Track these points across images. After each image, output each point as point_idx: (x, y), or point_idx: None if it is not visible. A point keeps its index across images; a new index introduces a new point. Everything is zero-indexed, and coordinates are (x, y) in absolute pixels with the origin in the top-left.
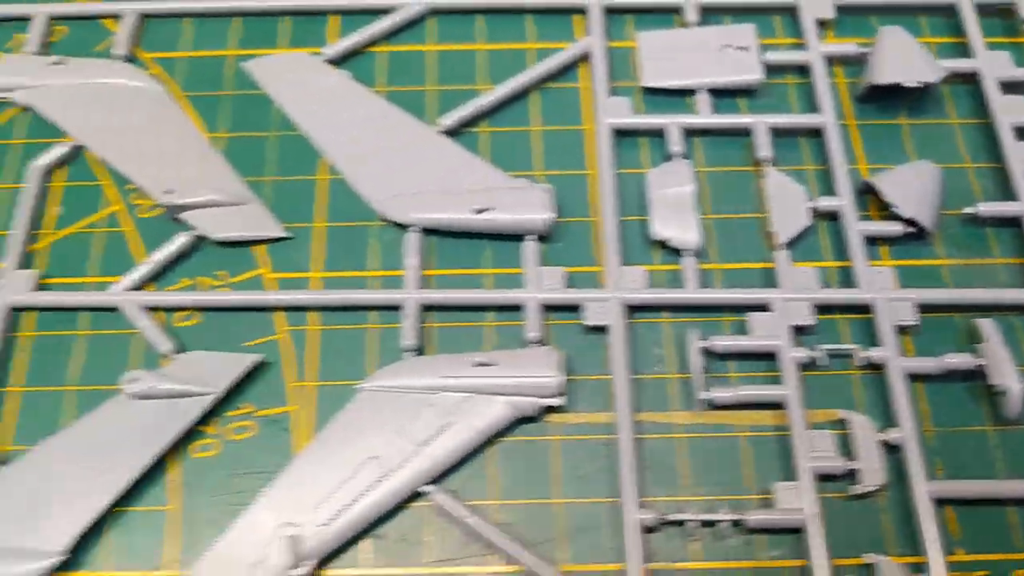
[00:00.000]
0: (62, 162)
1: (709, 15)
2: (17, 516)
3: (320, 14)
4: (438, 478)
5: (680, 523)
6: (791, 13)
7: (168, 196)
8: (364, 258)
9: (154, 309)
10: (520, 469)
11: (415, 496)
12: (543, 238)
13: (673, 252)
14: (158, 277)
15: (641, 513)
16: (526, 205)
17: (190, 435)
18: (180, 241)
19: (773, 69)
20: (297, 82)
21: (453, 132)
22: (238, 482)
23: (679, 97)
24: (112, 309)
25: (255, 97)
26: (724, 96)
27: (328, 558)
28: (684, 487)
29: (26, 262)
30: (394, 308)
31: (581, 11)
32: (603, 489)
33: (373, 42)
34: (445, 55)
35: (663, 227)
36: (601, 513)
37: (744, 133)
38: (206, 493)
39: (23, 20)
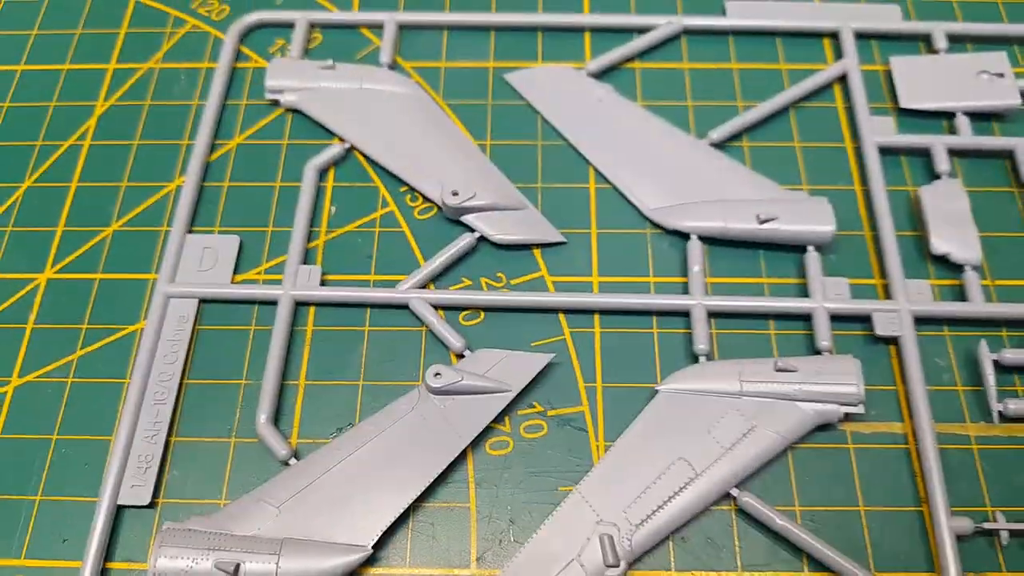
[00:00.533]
0: (334, 162)
1: (955, 44)
2: (323, 511)
3: (576, 30)
4: (741, 482)
5: (991, 533)
6: None
7: (454, 199)
8: (637, 264)
9: (441, 307)
10: (818, 476)
11: (719, 500)
12: (819, 250)
13: (949, 267)
14: (438, 278)
15: (954, 522)
16: (810, 217)
17: (485, 433)
18: (464, 242)
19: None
20: (562, 94)
21: (719, 145)
22: (535, 481)
23: (933, 120)
24: (401, 306)
25: (517, 108)
26: (976, 120)
27: (637, 558)
28: (983, 498)
29: (305, 259)
30: (678, 314)
31: (832, 35)
32: (903, 498)
33: (630, 58)
34: (699, 73)
35: (943, 242)
36: (906, 521)
37: (1001, 156)
38: (503, 490)
39: (286, 26)
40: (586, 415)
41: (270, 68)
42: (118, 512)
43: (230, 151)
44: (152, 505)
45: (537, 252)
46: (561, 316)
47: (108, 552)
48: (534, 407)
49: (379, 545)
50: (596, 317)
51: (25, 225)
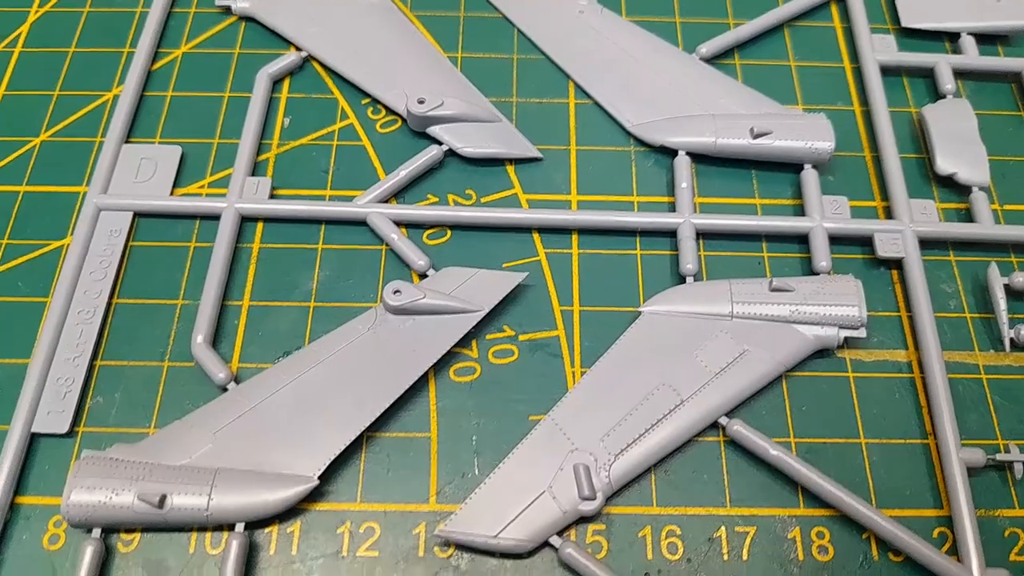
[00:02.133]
0: (290, 71)
1: None
2: (264, 439)
3: None
4: (731, 411)
5: (1003, 466)
6: None
7: (419, 107)
8: (620, 182)
9: (404, 224)
10: (815, 406)
11: (707, 429)
12: (817, 169)
13: (955, 190)
14: (401, 193)
15: (964, 453)
16: (807, 133)
17: (449, 357)
18: (430, 155)
19: None
20: (541, 6)
21: (709, 61)
22: (503, 409)
23: (936, 40)
24: (358, 222)
25: (492, 20)
26: (981, 42)
27: (616, 492)
28: (994, 430)
29: (254, 172)
30: (664, 233)
31: None
32: (907, 430)
33: None
34: None
35: (948, 162)
36: (910, 455)
37: (1008, 78)
38: (468, 419)
39: None
40: (561, 340)
41: None
42: (32, 441)
43: (175, 60)
44: (71, 434)
45: (511, 169)
46: (536, 236)
47: (19, 485)
48: (504, 331)
49: (327, 477)
50: (575, 237)
51: None
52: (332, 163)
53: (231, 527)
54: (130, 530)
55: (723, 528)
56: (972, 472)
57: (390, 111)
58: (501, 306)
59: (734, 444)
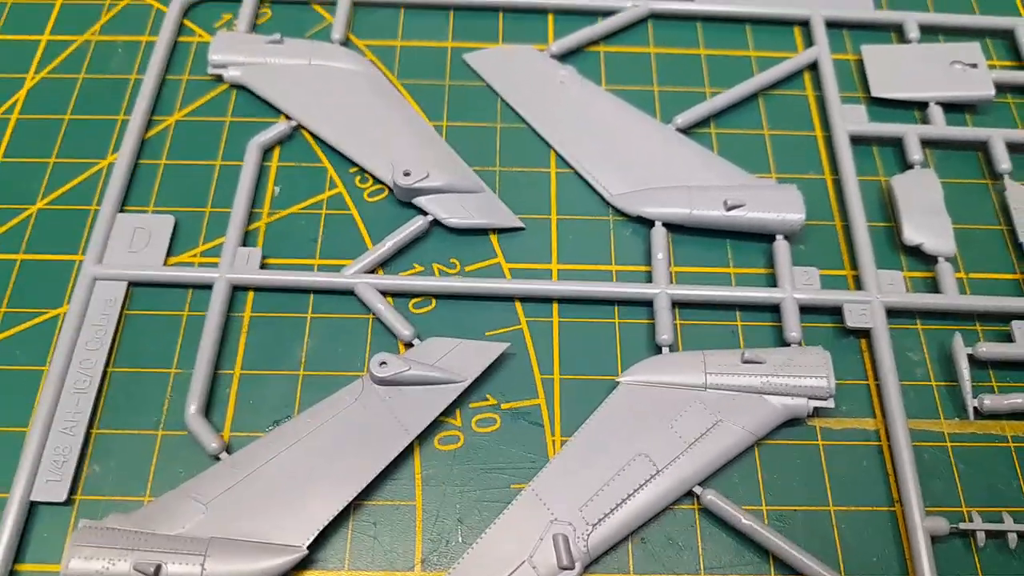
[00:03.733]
0: (279, 140)
1: (926, 35)
2: (255, 509)
3: (539, 12)
4: (705, 480)
5: (967, 534)
6: (1007, 36)
7: (405, 179)
8: (599, 251)
9: (390, 294)
10: (786, 474)
11: (682, 498)
12: (788, 239)
13: (921, 259)
14: (388, 263)
15: (928, 523)
16: (779, 204)
17: (433, 426)
18: (416, 225)
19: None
20: (523, 76)
21: (685, 131)
22: (486, 478)
23: (905, 110)
24: (346, 292)
25: (476, 89)
26: (948, 112)
27: (592, 561)
28: (958, 497)
29: (245, 241)
30: (641, 303)
31: (802, 23)
32: (875, 497)
33: (594, 41)
34: (665, 58)
35: (915, 233)
36: (878, 522)
37: (975, 147)
38: (452, 488)
39: (234, 0)
40: (542, 408)
41: (214, 41)
42: (32, 509)
43: (168, 128)
44: (69, 502)
45: (494, 238)
46: (518, 305)
47: (19, 553)
48: (487, 400)
49: (316, 546)
50: (555, 306)
51: None
52: (320, 232)
53: None
54: None
55: None
56: (936, 540)
57: (377, 180)
58: (485, 374)
59: (708, 512)
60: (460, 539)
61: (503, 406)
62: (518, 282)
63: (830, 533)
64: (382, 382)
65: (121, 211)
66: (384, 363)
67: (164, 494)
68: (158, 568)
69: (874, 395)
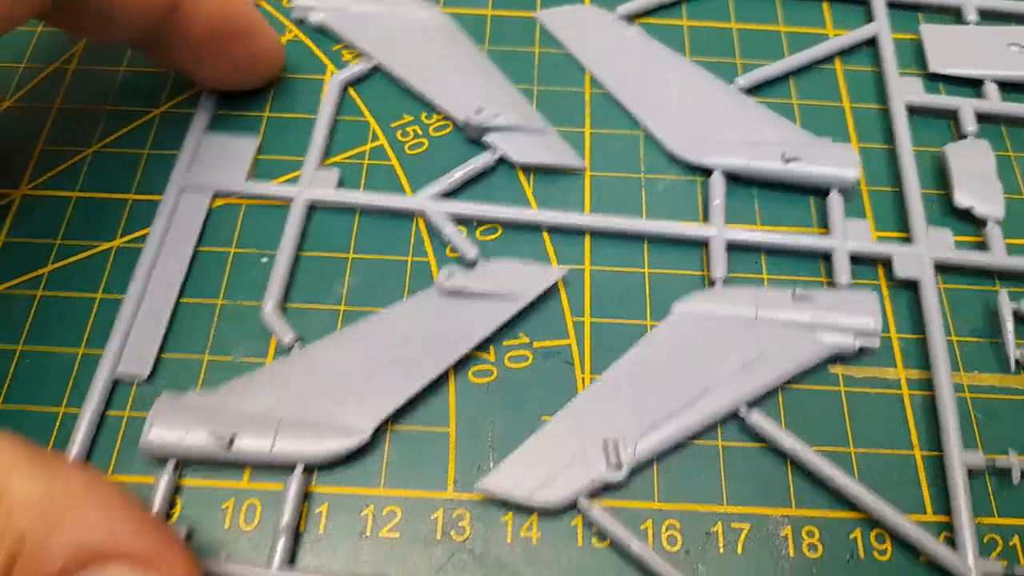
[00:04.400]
0: (360, 78)
1: (984, 19)
2: (323, 395)
3: None
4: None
5: (986, 475)
6: None
7: (478, 116)
8: (633, 202)
9: (458, 220)
10: (814, 416)
11: (706, 433)
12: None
13: (972, 223)
14: (453, 195)
15: (966, 456)
16: (834, 160)
17: (468, 360)
18: (484, 160)
19: None
20: (592, 34)
21: (750, 93)
22: (517, 409)
23: (962, 87)
24: (413, 215)
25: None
26: (1003, 89)
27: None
28: (996, 445)
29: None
30: (696, 243)
31: (863, 2)
32: (897, 441)
33: (664, 6)
34: (728, 31)
35: (966, 196)
36: (900, 464)
37: None
38: (484, 417)
39: None
40: (572, 349)
41: None
42: (114, 388)
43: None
44: (149, 380)
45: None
46: (551, 252)
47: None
48: (520, 338)
49: (352, 463)
50: (587, 254)
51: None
52: (363, 181)
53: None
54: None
55: (720, 524)
56: (973, 475)
57: (447, 117)
58: (520, 314)
59: (731, 448)
60: (491, 464)
61: (535, 344)
62: (589, 217)
63: (860, 473)
64: (448, 292)
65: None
66: (451, 275)
67: (240, 377)
68: (232, 438)
69: (896, 347)
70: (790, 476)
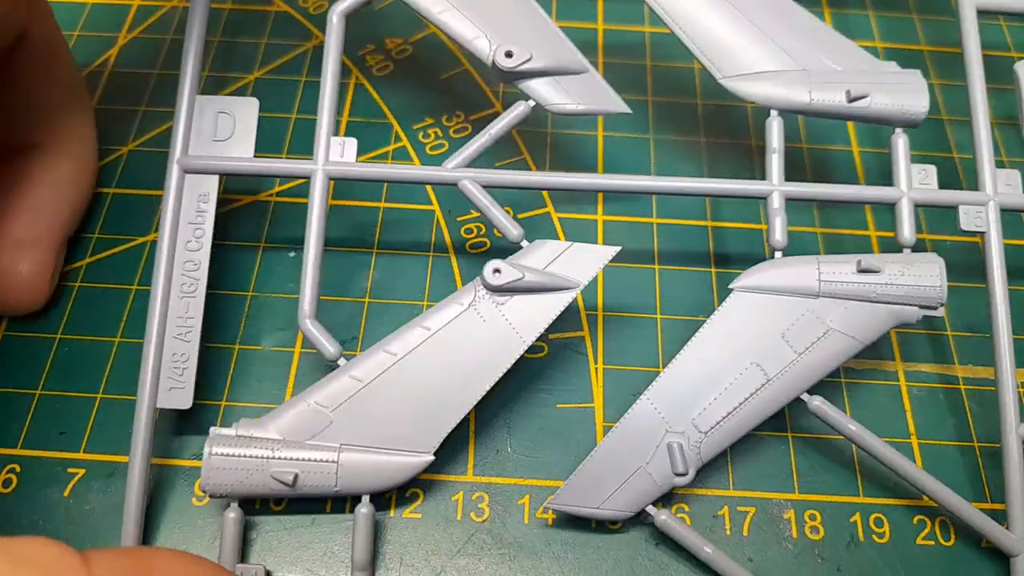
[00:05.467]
0: (361, 5)
1: None
2: (380, 416)
3: None
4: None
5: None
6: None
7: (507, 60)
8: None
9: (494, 187)
10: (868, 404)
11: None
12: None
13: None
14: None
15: (1022, 430)
16: (902, 94)
17: None
18: (518, 111)
19: None
20: None
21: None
22: (534, 396)
23: None
24: (451, 184)
25: None
26: None
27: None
28: None
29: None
30: (753, 198)
31: None
32: (959, 433)
33: None
34: None
35: None
36: (966, 458)
37: None
38: (502, 403)
39: None
40: (586, 340)
41: None
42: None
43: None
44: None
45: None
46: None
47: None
48: None
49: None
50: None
51: None
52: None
53: (357, 499)
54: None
55: (726, 507)
56: None
57: (472, 54)
58: None
59: (800, 438)
60: (509, 448)
61: (551, 336)
62: (614, 177)
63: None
64: (496, 290)
65: (200, 93)
66: (498, 271)
67: (289, 401)
68: (295, 478)
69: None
70: (793, 462)
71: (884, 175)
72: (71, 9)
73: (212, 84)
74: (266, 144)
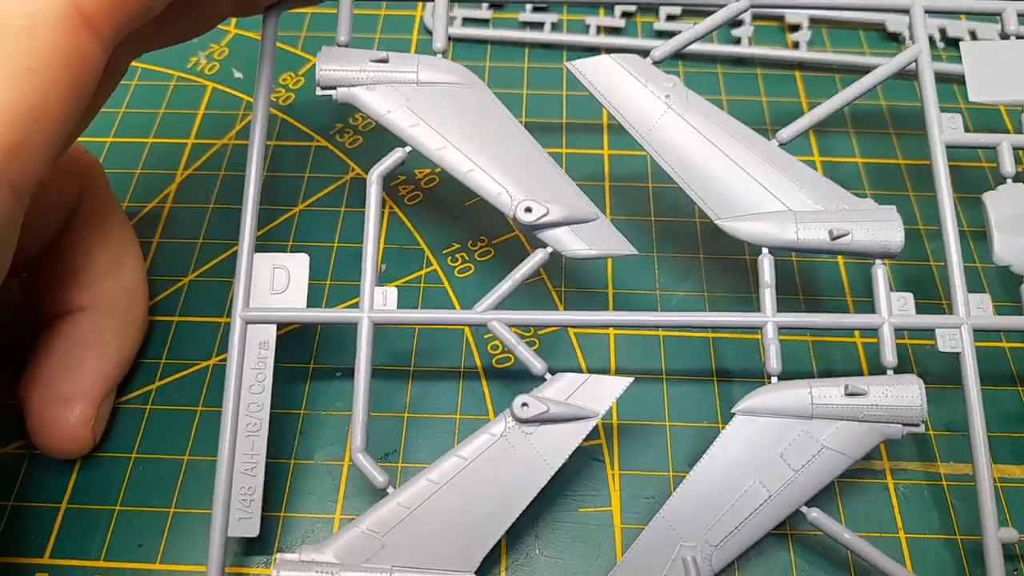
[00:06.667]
0: (396, 166)
1: None
2: (425, 540)
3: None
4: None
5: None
6: None
7: (527, 215)
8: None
9: (517, 327)
10: (859, 501)
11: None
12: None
13: (1012, 280)
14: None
15: (1002, 533)
16: (879, 228)
17: None
18: (537, 259)
19: None
20: (629, 87)
21: (784, 146)
22: (557, 502)
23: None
24: (481, 325)
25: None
26: None
27: None
28: None
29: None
30: (747, 329)
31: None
32: (943, 527)
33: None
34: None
35: (1007, 252)
36: (950, 551)
37: None
38: (531, 509)
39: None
40: (603, 448)
41: (320, 57)
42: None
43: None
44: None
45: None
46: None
47: None
48: None
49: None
50: (612, 359)
51: None
52: (420, 302)
53: None
54: None
55: None
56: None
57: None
58: None
59: (800, 543)
60: (537, 551)
61: None
62: (619, 314)
63: (907, 560)
64: (525, 422)
65: (257, 251)
66: (526, 405)
67: (344, 527)
68: None
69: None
70: (793, 562)
71: (865, 282)
72: (134, 148)
73: (263, 216)
74: (314, 271)
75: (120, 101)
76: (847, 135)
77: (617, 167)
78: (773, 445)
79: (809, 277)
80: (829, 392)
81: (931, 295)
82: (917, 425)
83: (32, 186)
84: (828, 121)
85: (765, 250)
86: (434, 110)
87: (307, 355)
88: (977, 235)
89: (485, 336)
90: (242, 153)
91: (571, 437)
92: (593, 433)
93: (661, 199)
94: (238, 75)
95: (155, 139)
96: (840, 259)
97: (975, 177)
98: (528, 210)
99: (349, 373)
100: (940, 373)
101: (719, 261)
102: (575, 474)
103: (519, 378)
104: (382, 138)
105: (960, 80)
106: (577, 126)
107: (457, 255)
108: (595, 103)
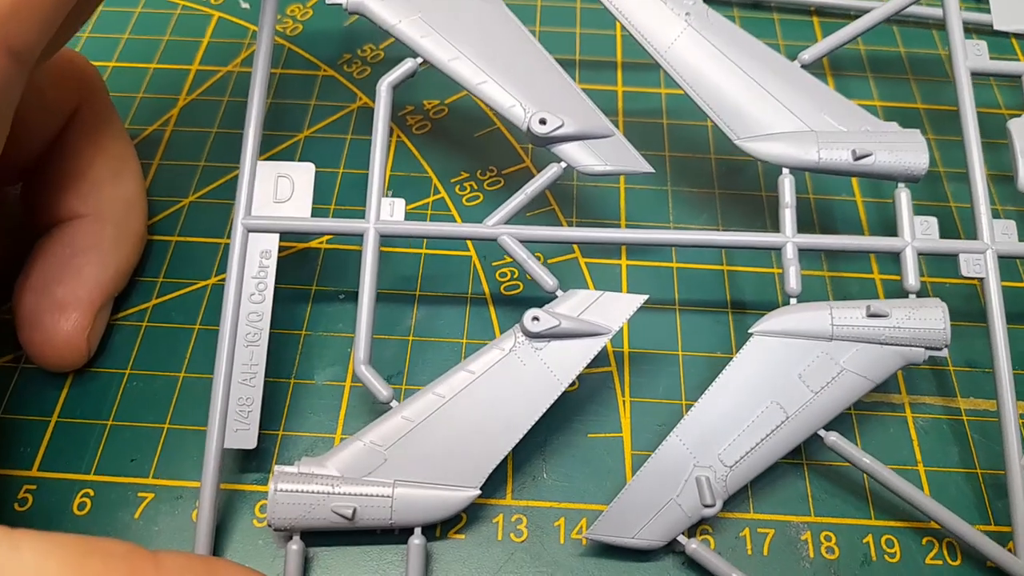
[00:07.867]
0: (407, 78)
1: None
2: (430, 455)
3: None
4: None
5: None
6: None
7: (541, 127)
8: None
9: (529, 242)
10: (877, 434)
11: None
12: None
13: None
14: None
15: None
16: (903, 151)
17: None
18: (550, 173)
19: None
20: (644, 2)
21: (808, 67)
22: (567, 427)
23: None
24: (491, 239)
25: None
26: None
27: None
28: None
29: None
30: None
31: None
32: (963, 462)
33: None
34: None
35: None
36: (971, 484)
37: None
38: (539, 435)
39: None
40: (614, 376)
41: None
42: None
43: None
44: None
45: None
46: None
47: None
48: None
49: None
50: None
51: None
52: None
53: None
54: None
55: (747, 530)
56: None
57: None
58: None
59: (815, 468)
60: (545, 475)
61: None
62: (632, 232)
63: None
64: (535, 336)
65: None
66: (536, 319)
67: (345, 440)
68: (354, 511)
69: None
70: (809, 488)
71: (884, 224)
72: (135, 72)
73: (266, 142)
74: (317, 196)
75: (123, 27)
76: (866, 79)
77: (631, 103)
78: (791, 366)
79: (826, 215)
80: (850, 314)
81: (952, 238)
82: (940, 349)
83: (31, 54)
84: (847, 64)
85: (785, 170)
86: (447, 21)
87: (310, 277)
88: (997, 179)
89: (493, 263)
90: (247, 80)
91: (582, 354)
92: (604, 360)
93: (675, 135)
94: (245, 5)
95: (158, 65)
96: (859, 197)
97: (993, 123)
98: (543, 122)
99: (352, 296)
100: (960, 311)
101: (734, 196)
102: (586, 399)
103: (529, 304)
104: (391, 68)
105: (977, 29)
106: (590, 63)
107: (466, 184)
108: (609, 41)
